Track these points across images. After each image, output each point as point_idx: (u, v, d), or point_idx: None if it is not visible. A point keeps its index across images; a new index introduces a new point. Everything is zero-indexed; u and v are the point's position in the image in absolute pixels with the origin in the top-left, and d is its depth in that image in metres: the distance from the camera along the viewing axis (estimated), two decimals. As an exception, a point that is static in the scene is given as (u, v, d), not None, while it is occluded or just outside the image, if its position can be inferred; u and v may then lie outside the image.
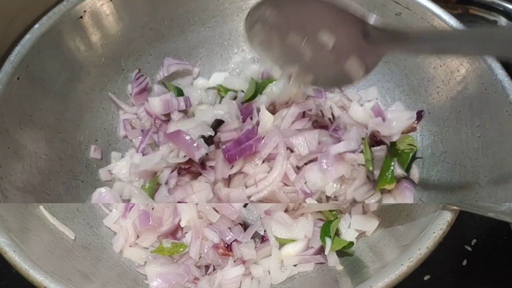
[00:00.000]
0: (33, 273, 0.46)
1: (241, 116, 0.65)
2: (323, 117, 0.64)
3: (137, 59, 0.72)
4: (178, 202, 0.59)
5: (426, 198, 0.59)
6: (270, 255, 0.58)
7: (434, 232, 0.46)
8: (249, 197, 0.59)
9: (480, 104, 0.57)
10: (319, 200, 0.60)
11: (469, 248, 0.66)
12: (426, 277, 0.63)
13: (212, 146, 0.62)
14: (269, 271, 0.57)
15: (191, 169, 0.61)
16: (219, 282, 0.55)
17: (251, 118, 0.64)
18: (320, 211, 0.61)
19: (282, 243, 0.59)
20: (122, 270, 0.57)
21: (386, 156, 0.63)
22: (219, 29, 0.75)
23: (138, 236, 0.60)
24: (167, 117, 0.68)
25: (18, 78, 0.59)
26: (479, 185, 0.53)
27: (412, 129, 0.66)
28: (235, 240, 0.57)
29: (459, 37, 0.43)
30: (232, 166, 0.61)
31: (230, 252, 0.57)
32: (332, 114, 0.67)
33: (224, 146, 0.59)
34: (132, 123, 0.70)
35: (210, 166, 0.61)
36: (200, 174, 0.62)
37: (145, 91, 0.71)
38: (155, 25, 0.72)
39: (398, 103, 0.68)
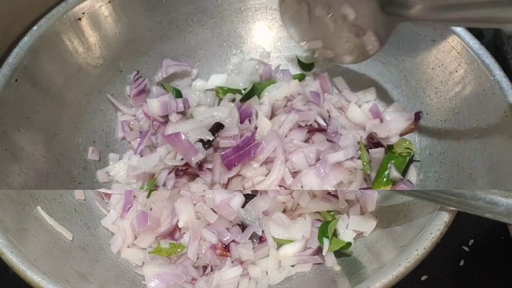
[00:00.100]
0: (31, 274, 0.46)
1: (239, 118, 0.65)
2: (319, 125, 0.64)
3: (136, 60, 0.72)
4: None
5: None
6: (268, 255, 0.58)
7: (431, 233, 0.46)
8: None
9: (478, 105, 0.57)
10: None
11: (466, 249, 0.66)
12: (424, 277, 0.63)
13: (210, 149, 0.61)
14: (267, 272, 0.57)
15: (189, 170, 0.61)
16: (217, 282, 0.55)
17: (250, 121, 0.64)
18: (318, 212, 0.61)
19: (280, 243, 0.59)
20: (120, 270, 0.57)
21: (384, 158, 0.63)
22: (218, 30, 0.75)
23: (136, 237, 0.60)
24: (165, 119, 0.68)
25: (16, 80, 0.59)
26: (477, 186, 0.53)
27: (410, 130, 0.66)
28: (233, 240, 0.57)
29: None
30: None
31: (228, 253, 0.57)
32: (329, 116, 0.67)
33: (223, 152, 0.59)
34: (130, 125, 0.70)
35: (208, 168, 0.61)
36: (198, 175, 0.62)
37: (144, 92, 0.71)
38: (154, 26, 0.72)
39: (396, 104, 0.68)
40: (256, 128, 0.63)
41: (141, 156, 0.66)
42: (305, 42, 0.65)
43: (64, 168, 0.63)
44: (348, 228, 0.59)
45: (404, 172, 0.63)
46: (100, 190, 0.64)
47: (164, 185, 0.61)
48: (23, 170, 0.57)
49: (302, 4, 0.59)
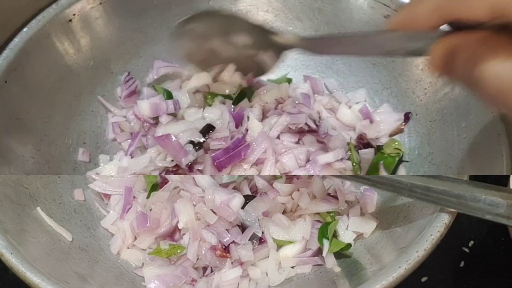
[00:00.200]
0: (30, 275, 0.46)
1: (231, 122, 0.64)
2: (309, 127, 0.64)
3: (127, 62, 0.71)
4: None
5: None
6: (268, 256, 0.58)
7: (431, 234, 0.46)
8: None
9: (466, 105, 0.57)
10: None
11: (466, 250, 0.66)
12: (424, 279, 0.63)
13: (201, 151, 0.61)
14: (266, 273, 0.57)
15: (179, 172, 0.61)
16: (216, 283, 0.55)
17: (241, 123, 0.64)
18: (318, 213, 0.61)
19: (279, 244, 0.59)
20: (120, 272, 0.57)
21: (373, 159, 0.63)
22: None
23: (135, 238, 0.60)
24: (156, 120, 0.67)
25: (6, 82, 0.58)
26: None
27: (399, 131, 0.66)
28: (233, 241, 0.57)
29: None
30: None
31: (228, 254, 0.57)
32: (319, 117, 0.67)
33: (213, 154, 0.59)
34: (121, 126, 0.69)
35: (198, 169, 0.60)
36: (188, 176, 0.62)
37: (135, 94, 0.70)
38: (145, 28, 0.71)
39: (386, 105, 0.68)
40: (247, 130, 0.63)
41: (132, 157, 0.65)
42: (202, 68, 0.67)
43: (54, 170, 0.62)
44: (348, 229, 0.59)
45: (393, 173, 0.63)
46: (99, 190, 0.64)
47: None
48: (12, 172, 0.57)
49: (197, 41, 0.61)
